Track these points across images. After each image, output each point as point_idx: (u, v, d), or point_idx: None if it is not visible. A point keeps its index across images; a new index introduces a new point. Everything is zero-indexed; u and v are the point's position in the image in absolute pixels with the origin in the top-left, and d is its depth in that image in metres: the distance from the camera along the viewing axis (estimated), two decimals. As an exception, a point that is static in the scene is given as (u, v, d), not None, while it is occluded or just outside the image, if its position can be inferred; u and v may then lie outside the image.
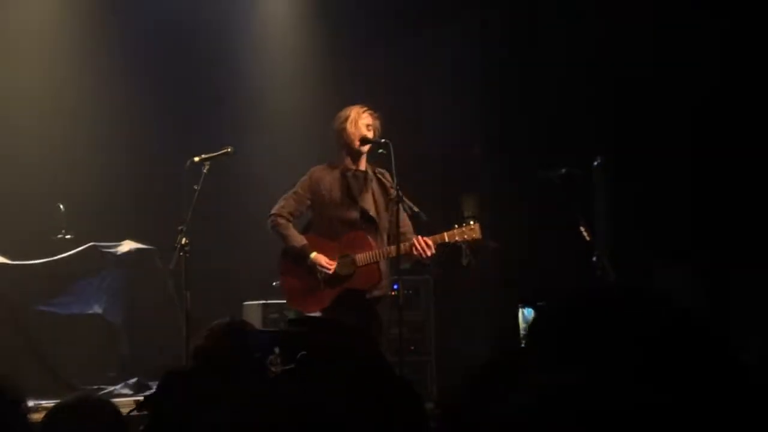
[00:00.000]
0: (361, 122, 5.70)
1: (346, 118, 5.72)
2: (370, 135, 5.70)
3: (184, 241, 5.87)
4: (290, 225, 5.76)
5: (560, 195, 5.93)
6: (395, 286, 5.78)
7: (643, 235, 6.87)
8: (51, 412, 2.48)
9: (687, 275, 6.39)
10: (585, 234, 5.76)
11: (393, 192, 5.60)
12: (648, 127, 7.01)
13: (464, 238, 5.58)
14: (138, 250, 6.93)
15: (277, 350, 1.86)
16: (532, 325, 1.63)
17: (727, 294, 6.17)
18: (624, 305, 1.43)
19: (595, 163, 6.24)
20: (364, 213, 5.72)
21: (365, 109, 5.75)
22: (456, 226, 5.59)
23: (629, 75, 7.06)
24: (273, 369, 1.88)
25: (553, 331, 1.46)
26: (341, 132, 5.73)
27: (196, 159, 6.02)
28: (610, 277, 5.58)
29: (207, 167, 6.01)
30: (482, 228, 5.61)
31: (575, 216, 5.83)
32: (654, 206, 6.94)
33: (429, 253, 5.56)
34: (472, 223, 5.60)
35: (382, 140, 5.64)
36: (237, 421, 1.64)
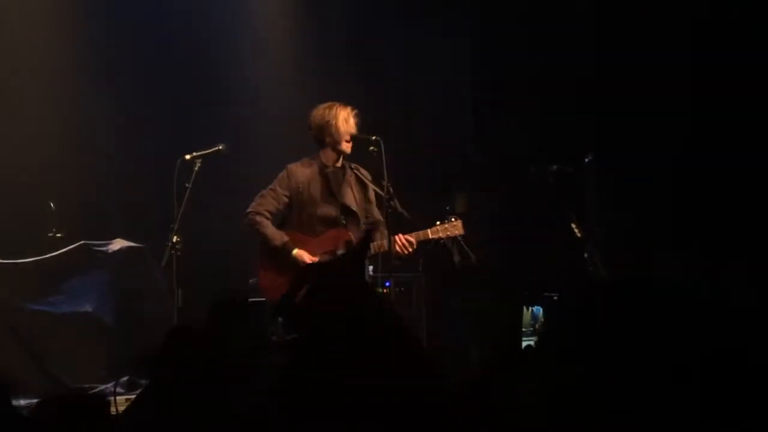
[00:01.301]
0: (352, 120, 5.72)
1: (336, 116, 5.72)
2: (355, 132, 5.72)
3: (175, 238, 5.87)
4: (269, 222, 5.75)
5: (552, 192, 5.95)
6: (387, 284, 5.78)
7: (635, 231, 6.88)
8: (37, 407, 2.47)
9: (680, 269, 6.41)
10: (576, 230, 5.77)
11: (384, 190, 5.61)
12: (639, 123, 7.02)
13: (447, 235, 5.59)
14: (129, 248, 6.90)
15: (280, 320, 1.88)
16: (549, 320, 1.65)
17: (719, 288, 6.18)
18: (637, 297, 1.44)
19: (587, 160, 6.25)
20: (345, 208, 5.72)
21: (349, 107, 5.76)
22: (438, 222, 5.60)
23: (621, 70, 7.07)
24: (275, 338, 1.89)
25: (570, 326, 1.46)
26: (328, 129, 5.72)
27: (188, 157, 6.04)
28: (601, 273, 5.60)
29: (198, 165, 6.01)
30: (464, 224, 5.62)
31: (567, 213, 5.84)
32: (645, 202, 6.95)
33: (410, 250, 5.55)
34: (454, 219, 5.61)
35: (373, 137, 5.64)
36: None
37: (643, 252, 6.71)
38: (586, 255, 5.73)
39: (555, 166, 6.04)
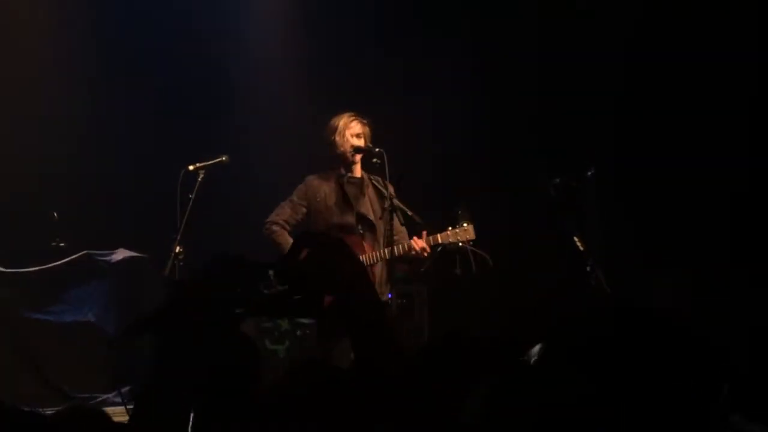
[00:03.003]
0: (348, 132, 5.73)
1: (335, 129, 5.75)
2: (360, 143, 5.73)
3: (177, 249, 5.87)
4: (284, 232, 5.77)
5: (554, 205, 5.94)
6: (389, 295, 5.77)
7: (637, 244, 6.88)
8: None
9: (681, 283, 6.40)
10: (578, 244, 5.77)
11: (387, 201, 5.61)
12: (641, 137, 7.03)
13: (458, 239, 5.58)
14: (131, 258, 6.92)
15: (271, 273, 1.86)
16: (549, 345, 1.63)
17: (719, 300, 6.18)
18: (627, 326, 1.45)
19: (589, 174, 6.24)
20: (362, 218, 5.73)
21: (353, 117, 5.77)
22: (450, 228, 5.60)
23: (623, 84, 7.08)
24: (267, 292, 1.88)
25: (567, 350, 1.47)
26: (332, 143, 5.76)
27: (191, 167, 6.05)
28: (603, 286, 5.59)
29: (202, 176, 6.02)
30: (476, 229, 5.62)
31: (569, 226, 5.83)
32: (647, 215, 6.96)
33: (426, 254, 5.55)
34: (465, 224, 5.60)
35: (376, 149, 5.65)
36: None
37: (643, 265, 6.71)
38: (588, 268, 5.71)
39: (558, 179, 6.04)
